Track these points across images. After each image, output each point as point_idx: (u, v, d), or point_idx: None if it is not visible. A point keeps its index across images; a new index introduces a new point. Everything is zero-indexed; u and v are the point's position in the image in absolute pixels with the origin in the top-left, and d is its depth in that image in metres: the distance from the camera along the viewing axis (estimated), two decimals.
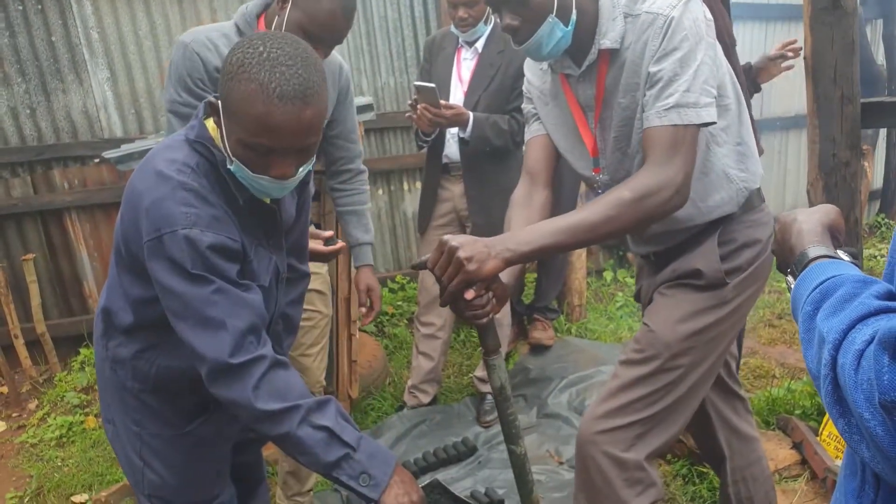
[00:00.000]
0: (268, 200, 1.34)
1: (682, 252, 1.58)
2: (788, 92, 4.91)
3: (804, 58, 2.61)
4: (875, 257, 4.80)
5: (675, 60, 1.35)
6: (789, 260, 0.93)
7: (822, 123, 2.59)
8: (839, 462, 2.28)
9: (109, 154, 2.67)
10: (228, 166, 1.23)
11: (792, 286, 0.86)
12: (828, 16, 2.47)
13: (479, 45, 2.68)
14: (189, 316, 1.18)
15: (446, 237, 1.26)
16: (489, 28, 2.68)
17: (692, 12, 1.36)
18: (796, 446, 2.47)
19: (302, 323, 1.76)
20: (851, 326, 0.59)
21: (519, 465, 1.44)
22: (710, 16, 1.40)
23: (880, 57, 5.15)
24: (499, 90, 2.63)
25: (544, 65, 1.59)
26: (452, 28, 2.67)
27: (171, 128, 1.86)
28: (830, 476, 2.24)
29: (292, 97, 1.11)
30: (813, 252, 0.86)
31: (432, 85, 2.50)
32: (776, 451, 2.46)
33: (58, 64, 3.38)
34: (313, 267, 2.19)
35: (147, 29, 3.42)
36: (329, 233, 1.89)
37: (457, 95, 2.70)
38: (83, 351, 3.55)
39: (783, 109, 5.00)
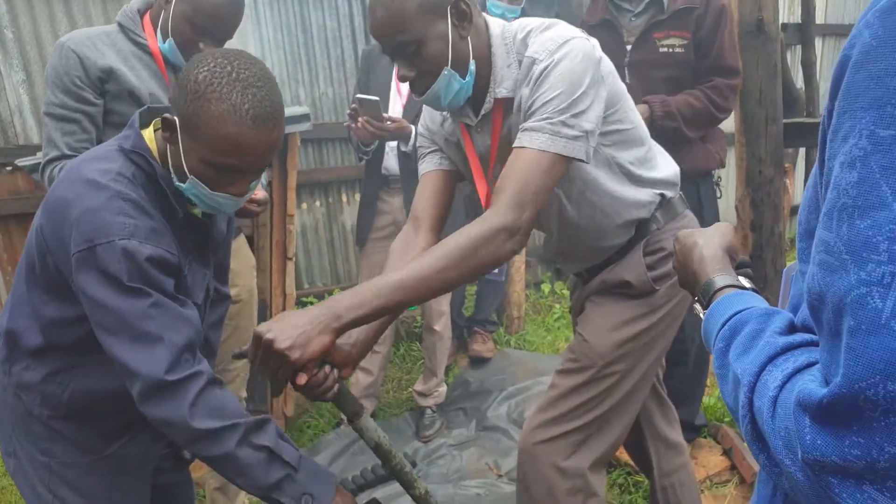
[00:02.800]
0: (199, 215, 1.30)
1: (610, 265, 1.60)
2: None
3: None
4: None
5: (544, 92, 1.31)
6: (693, 286, 0.94)
7: (748, 142, 2.70)
8: None
9: (24, 161, 2.50)
10: (178, 184, 1.20)
11: (701, 315, 0.88)
12: (753, 40, 2.58)
13: None
14: (123, 331, 1.12)
15: (259, 328, 1.14)
16: None
17: (572, 54, 1.31)
18: (726, 453, 2.55)
19: (225, 338, 1.72)
20: (762, 368, 0.62)
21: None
22: (599, 53, 1.37)
23: (799, 81, 5.44)
24: None
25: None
26: None
27: (46, 132, 1.82)
28: None
29: (265, 119, 1.12)
30: (719, 282, 0.87)
31: (376, 98, 2.46)
32: (707, 458, 2.53)
33: None
34: (242, 279, 2.14)
35: (67, 29, 3.24)
36: (261, 193, 1.92)
37: (395, 108, 2.68)
38: None
39: None
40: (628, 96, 1.49)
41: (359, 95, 2.50)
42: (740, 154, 2.75)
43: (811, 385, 0.55)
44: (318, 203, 4.01)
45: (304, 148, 3.81)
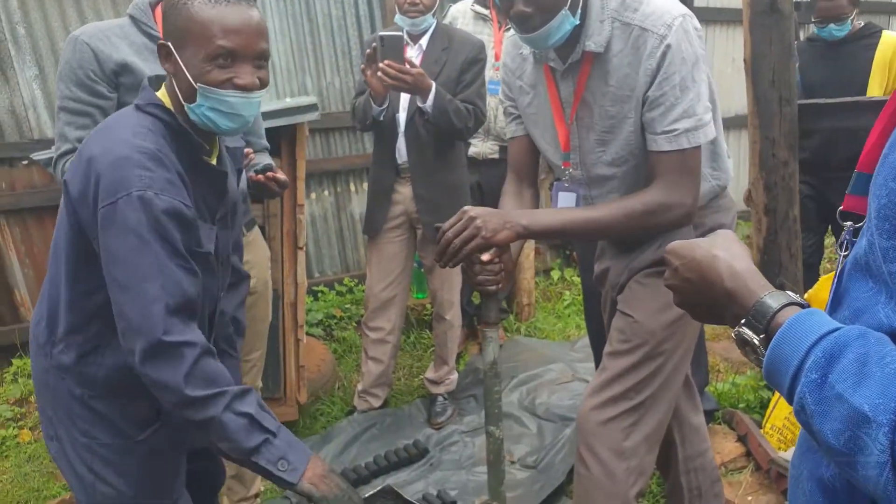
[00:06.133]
0: (214, 161, 1.37)
1: (656, 237, 1.61)
2: (728, 91, 5.04)
3: (744, 60, 2.68)
4: None
5: (676, 86, 1.38)
6: (723, 308, 0.79)
7: (761, 124, 2.66)
8: (782, 453, 2.35)
9: (38, 155, 2.52)
10: (190, 107, 1.24)
11: (754, 339, 0.73)
12: (766, 19, 2.54)
13: (424, 41, 2.64)
14: (131, 287, 1.17)
15: (467, 207, 1.40)
16: (433, 24, 2.64)
17: (687, 32, 1.38)
18: (741, 439, 2.53)
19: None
20: None
21: (495, 451, 1.44)
22: (698, 25, 1.43)
23: None
24: (445, 85, 2.58)
25: (525, 51, 1.60)
26: (398, 18, 2.59)
27: (58, 126, 1.81)
28: (774, 467, 2.30)
29: (236, 0, 1.22)
30: (775, 301, 0.73)
31: (400, 33, 2.32)
32: (722, 445, 2.51)
33: None
34: (257, 270, 2.15)
35: (77, 23, 3.25)
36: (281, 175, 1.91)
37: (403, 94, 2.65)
38: (16, 362, 3.36)
39: (723, 109, 5.13)
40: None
41: (380, 33, 2.32)
42: (753, 136, 2.71)
43: None
44: (326, 192, 4.01)
45: (312, 138, 3.80)
